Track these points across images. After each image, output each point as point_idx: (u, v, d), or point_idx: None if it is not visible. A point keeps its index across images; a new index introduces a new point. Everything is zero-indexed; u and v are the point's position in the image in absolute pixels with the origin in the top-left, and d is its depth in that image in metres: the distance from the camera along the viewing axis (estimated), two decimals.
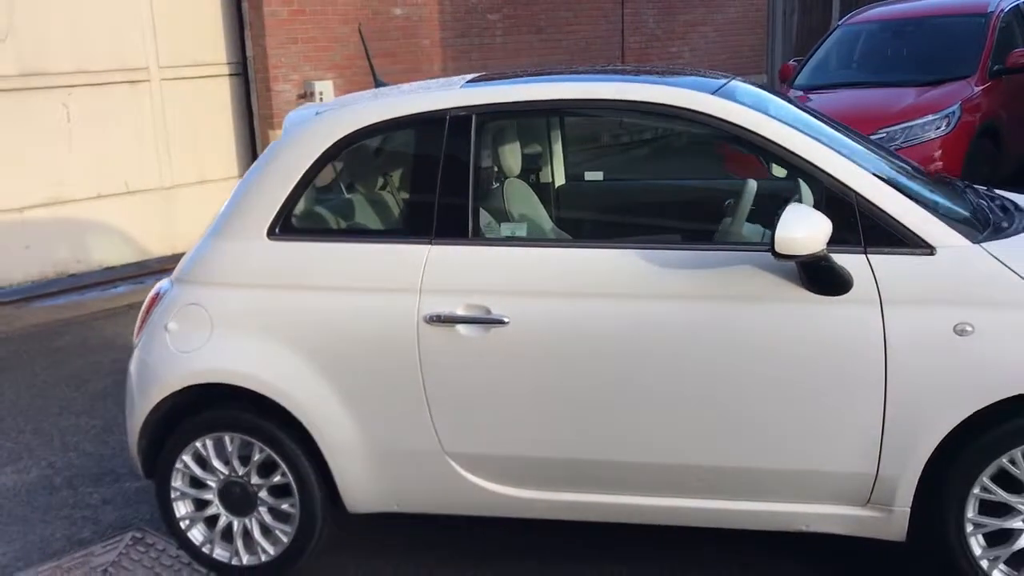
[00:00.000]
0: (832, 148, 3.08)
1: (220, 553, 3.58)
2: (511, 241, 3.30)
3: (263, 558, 3.53)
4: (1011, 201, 3.57)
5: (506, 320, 3.16)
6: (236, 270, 3.45)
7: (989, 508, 2.98)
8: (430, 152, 3.33)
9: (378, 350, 3.27)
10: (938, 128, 7.41)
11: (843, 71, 8.63)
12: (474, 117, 3.31)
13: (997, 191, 3.80)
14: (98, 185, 8.34)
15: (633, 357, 3.08)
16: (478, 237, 3.27)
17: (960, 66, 7.98)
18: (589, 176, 4.57)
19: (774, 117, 3.14)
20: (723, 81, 3.51)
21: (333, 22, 9.11)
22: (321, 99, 9.00)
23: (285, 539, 3.50)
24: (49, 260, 8.07)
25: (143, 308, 3.66)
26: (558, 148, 4.53)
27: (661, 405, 3.09)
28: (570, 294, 3.13)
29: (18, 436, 5.00)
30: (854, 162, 3.05)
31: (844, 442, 2.98)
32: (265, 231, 3.44)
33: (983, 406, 2.85)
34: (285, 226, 3.44)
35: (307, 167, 3.43)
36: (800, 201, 3.25)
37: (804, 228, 2.79)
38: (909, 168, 3.58)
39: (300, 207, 3.47)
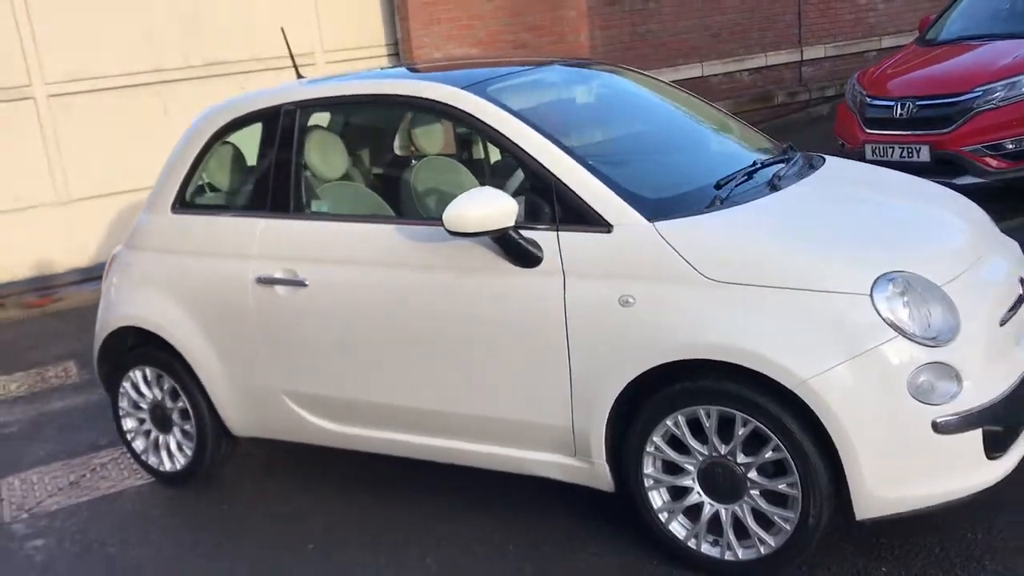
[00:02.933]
0: (553, 137, 3.40)
1: (153, 460, 4.52)
2: (317, 216, 3.93)
3: (176, 466, 4.43)
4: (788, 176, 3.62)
5: (307, 283, 3.81)
6: (152, 238, 4.36)
7: (668, 466, 3.24)
8: (269, 139, 4.03)
9: (227, 304, 4.03)
10: None
11: (976, 22, 8.12)
12: (298, 111, 3.97)
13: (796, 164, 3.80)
14: None
15: (386, 318, 3.63)
16: (298, 212, 3.94)
17: None
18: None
19: (514, 111, 3.49)
20: (507, 71, 3.88)
21: (474, 1, 9.82)
22: None
23: (189, 452, 4.38)
24: None
25: (106, 266, 4.67)
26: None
27: (408, 358, 3.62)
28: (346, 262, 3.72)
29: None
30: (567, 150, 3.36)
31: (544, 397, 3.35)
32: (170, 206, 4.30)
33: (644, 370, 3.13)
34: (181, 202, 4.29)
35: (196, 152, 4.25)
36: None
37: (478, 208, 3.20)
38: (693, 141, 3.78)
39: (192, 186, 4.29)
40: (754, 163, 3.64)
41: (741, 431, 3.06)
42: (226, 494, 4.37)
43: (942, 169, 7.13)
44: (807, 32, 11.72)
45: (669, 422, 3.16)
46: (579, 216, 3.27)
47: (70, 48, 8.71)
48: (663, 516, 3.26)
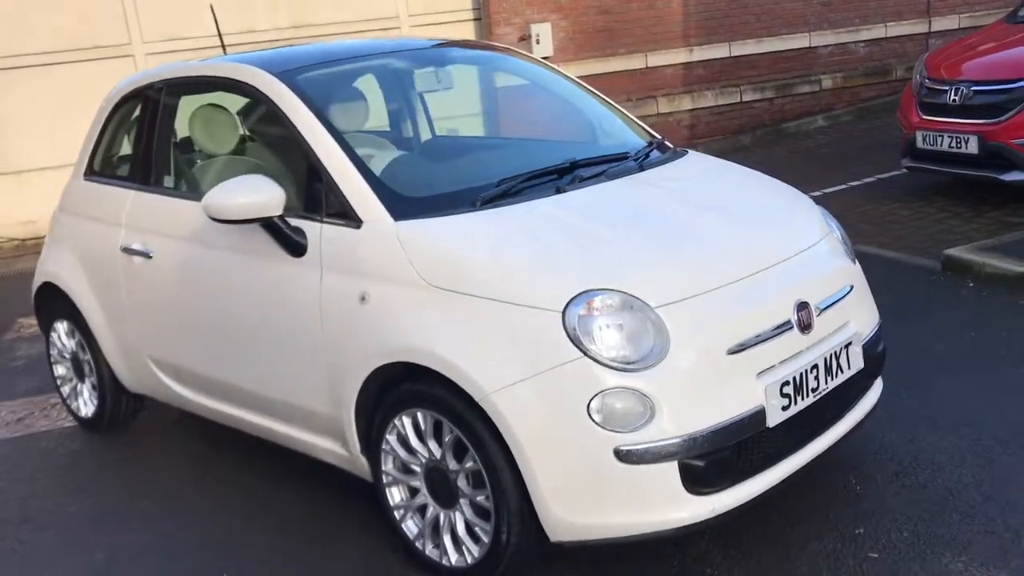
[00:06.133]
0: (334, 129, 3.41)
1: (74, 406, 4.91)
2: (165, 191, 4.12)
3: (88, 413, 4.79)
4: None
5: (152, 255, 4.02)
6: (70, 201, 4.71)
7: (404, 465, 3.23)
8: (140, 116, 4.26)
9: (106, 269, 4.32)
10: None
11: None
12: (158, 91, 4.16)
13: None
14: None
15: (197, 294, 3.81)
16: (156, 186, 4.15)
17: None
18: None
19: (309, 100, 3.52)
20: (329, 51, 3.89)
21: None
22: (538, 41, 9.70)
23: (94, 405, 4.73)
24: None
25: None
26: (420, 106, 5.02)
27: (216, 334, 3.77)
28: (176, 237, 3.90)
29: None
30: (342, 142, 3.38)
31: (311, 385, 3.42)
32: (83, 172, 4.63)
33: (373, 369, 3.14)
34: (90, 169, 4.61)
35: (102, 123, 4.55)
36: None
37: (241, 196, 3.28)
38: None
39: (97, 156, 4.59)
40: (572, 161, 3.52)
41: (448, 438, 3.02)
42: (135, 444, 4.68)
43: (990, 163, 6.52)
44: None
45: (397, 422, 3.16)
46: (341, 209, 3.29)
47: (166, 9, 9.33)
48: (398, 513, 3.27)
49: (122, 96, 4.45)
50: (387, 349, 3.08)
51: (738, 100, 10.37)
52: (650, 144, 3.91)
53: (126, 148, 4.49)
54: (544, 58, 8.91)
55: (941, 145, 6.82)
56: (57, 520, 3.98)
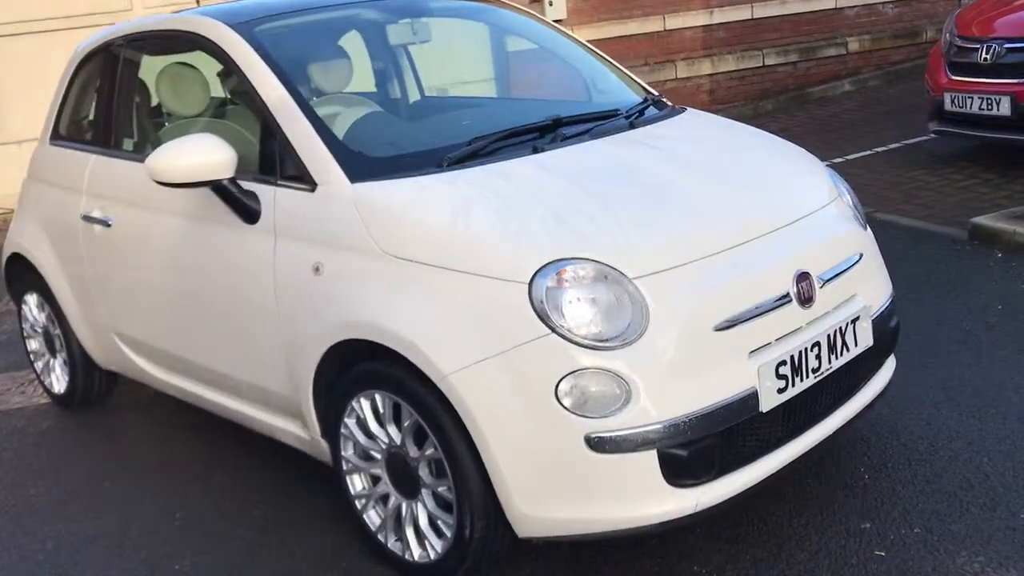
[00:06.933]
0: (291, 85, 3.11)
1: (47, 382, 4.68)
2: (124, 155, 3.85)
3: (60, 390, 4.56)
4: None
5: (110, 223, 3.76)
6: (36, 168, 4.46)
7: (364, 451, 2.96)
8: (100, 75, 3.98)
9: (68, 237, 4.06)
10: None
11: None
12: (125, 45, 3.88)
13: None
14: None
15: (153, 263, 3.55)
16: (116, 149, 3.88)
17: None
18: None
19: (265, 53, 3.22)
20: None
21: None
22: (551, 3, 9.32)
23: (66, 381, 4.49)
24: None
25: None
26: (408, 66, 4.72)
27: (172, 306, 3.52)
28: (131, 203, 3.64)
29: None
30: (298, 98, 3.08)
31: (267, 361, 3.15)
32: (48, 137, 4.37)
33: (331, 345, 2.86)
34: (55, 134, 4.35)
35: (66, 84, 4.28)
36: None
37: (185, 157, 3.00)
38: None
39: (64, 119, 4.33)
40: (555, 118, 3.21)
41: (407, 423, 2.75)
42: (107, 423, 4.45)
43: (1023, 125, 6.11)
44: None
45: (355, 405, 2.89)
46: (297, 172, 3.01)
47: None
48: (360, 503, 3.01)
49: (85, 54, 4.18)
50: (341, 324, 2.80)
51: (760, 64, 9.95)
52: (645, 101, 3.59)
53: (90, 111, 4.23)
54: (557, 21, 8.55)
55: (971, 107, 6.41)
56: (14, 504, 3.75)
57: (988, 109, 6.28)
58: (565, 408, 2.45)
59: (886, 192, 6.45)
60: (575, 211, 2.72)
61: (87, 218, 3.88)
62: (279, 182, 3.05)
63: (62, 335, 4.37)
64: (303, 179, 2.97)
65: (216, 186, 3.06)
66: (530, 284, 2.50)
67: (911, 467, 3.18)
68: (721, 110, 9.52)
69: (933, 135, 7.01)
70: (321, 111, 3.22)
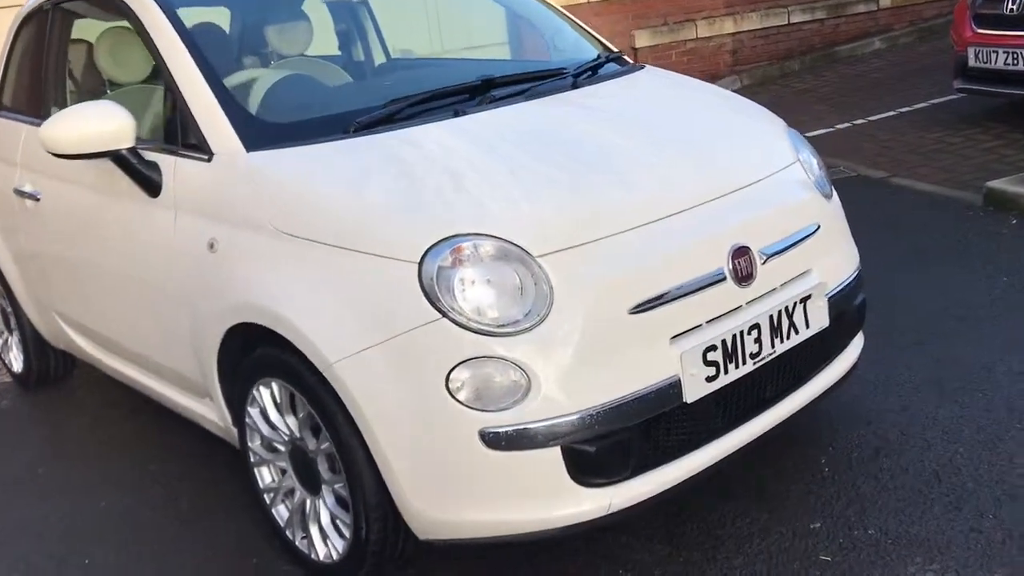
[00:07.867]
0: (196, 48, 2.87)
1: (7, 360, 4.56)
2: None
3: (18, 369, 4.42)
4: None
5: (39, 197, 3.58)
6: None
7: (269, 442, 2.75)
8: (38, 39, 3.78)
9: (6, 211, 3.90)
10: None
11: None
12: (53, 7, 3.67)
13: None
14: None
15: (71, 238, 3.36)
16: (46, 118, 3.67)
17: None
18: None
19: (175, 17, 2.98)
20: None
21: None
22: None
23: (21, 363, 4.35)
24: None
25: None
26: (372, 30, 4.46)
27: (91, 283, 3.34)
28: (56, 177, 3.44)
29: None
30: (201, 61, 2.84)
31: (177, 343, 2.94)
32: None
33: (228, 328, 2.64)
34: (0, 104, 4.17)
35: (7, 51, 4.09)
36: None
37: (78, 125, 2.79)
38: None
39: (6, 89, 4.14)
40: (486, 79, 2.95)
41: (302, 414, 2.53)
42: (61, 404, 4.31)
43: None
44: None
45: (256, 393, 2.67)
46: (195, 138, 2.78)
47: None
48: (268, 496, 2.80)
49: (23, 17, 3.98)
50: (234, 307, 2.59)
51: (786, 22, 9.48)
52: (597, 58, 3.30)
53: (21, 78, 4.04)
54: None
55: (995, 63, 5.99)
56: None
57: (1013, 64, 5.86)
58: (457, 401, 2.20)
59: (905, 155, 6.08)
60: (482, 181, 2.46)
61: (19, 192, 3.70)
62: (179, 152, 2.82)
63: (14, 312, 4.23)
64: (201, 147, 2.74)
65: (115, 156, 2.84)
66: (420, 263, 2.25)
67: (877, 459, 2.89)
68: (745, 71, 9.12)
69: (960, 93, 6.61)
70: (244, 75, 2.99)
